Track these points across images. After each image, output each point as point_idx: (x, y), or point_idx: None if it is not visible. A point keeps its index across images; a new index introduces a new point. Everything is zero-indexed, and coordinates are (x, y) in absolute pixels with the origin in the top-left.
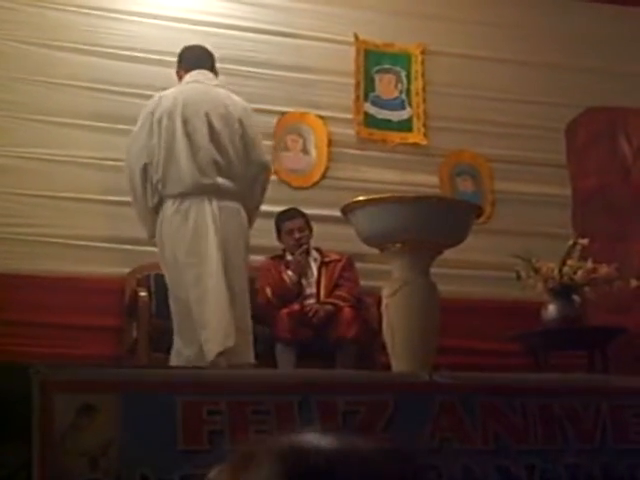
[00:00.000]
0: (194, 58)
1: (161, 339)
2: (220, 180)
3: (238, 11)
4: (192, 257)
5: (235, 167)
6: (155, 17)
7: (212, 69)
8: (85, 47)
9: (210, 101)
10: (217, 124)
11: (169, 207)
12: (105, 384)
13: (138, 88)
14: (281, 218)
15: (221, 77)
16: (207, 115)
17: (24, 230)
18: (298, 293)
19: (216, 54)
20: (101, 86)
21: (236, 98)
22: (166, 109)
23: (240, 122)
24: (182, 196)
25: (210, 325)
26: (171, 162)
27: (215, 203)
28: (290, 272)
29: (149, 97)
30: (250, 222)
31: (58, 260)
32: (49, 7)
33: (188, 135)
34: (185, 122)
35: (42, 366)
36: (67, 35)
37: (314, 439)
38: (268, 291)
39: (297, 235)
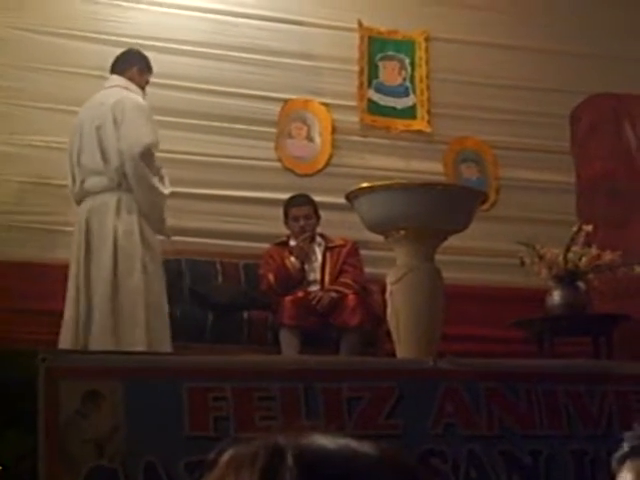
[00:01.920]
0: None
1: None
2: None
3: None
4: None
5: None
6: (161, 5)
7: (117, 70)
8: (90, 35)
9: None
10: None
11: None
12: (110, 371)
13: None
14: (289, 204)
15: (224, 65)
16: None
17: (30, 218)
18: (301, 280)
19: (220, 41)
20: (104, 74)
21: (115, 94)
22: None
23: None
24: None
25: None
26: None
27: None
28: (293, 259)
29: (155, 85)
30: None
31: (64, 248)
32: None
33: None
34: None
35: (48, 353)
36: (72, 23)
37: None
38: (271, 277)
39: (302, 222)
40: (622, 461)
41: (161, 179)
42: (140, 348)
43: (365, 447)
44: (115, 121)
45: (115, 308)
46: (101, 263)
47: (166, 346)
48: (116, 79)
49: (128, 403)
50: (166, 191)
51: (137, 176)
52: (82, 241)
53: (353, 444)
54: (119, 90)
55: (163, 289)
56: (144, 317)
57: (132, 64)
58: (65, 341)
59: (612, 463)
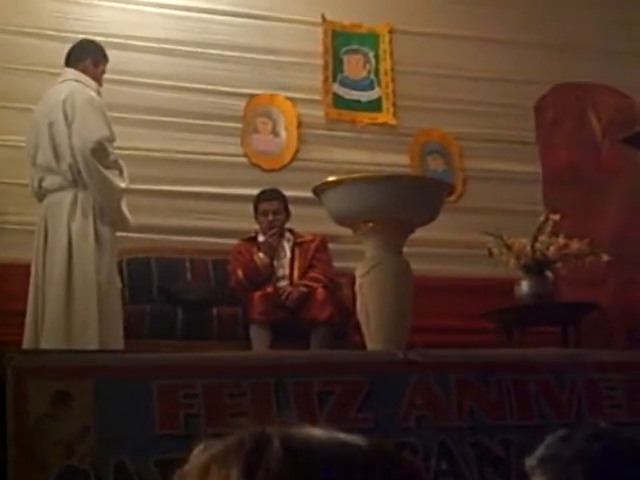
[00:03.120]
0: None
1: (137, 325)
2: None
3: None
4: None
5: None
6: (123, 2)
7: (71, 63)
8: (49, 32)
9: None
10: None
11: None
12: (79, 370)
13: (108, 74)
14: (259, 198)
15: (188, 61)
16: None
17: None
18: (270, 275)
19: (184, 37)
20: (60, 71)
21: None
22: None
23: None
24: None
25: None
26: None
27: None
28: (261, 254)
29: (118, 82)
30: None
31: (27, 248)
32: None
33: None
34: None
35: (16, 352)
36: (31, 20)
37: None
38: (239, 273)
39: (270, 217)
40: (532, 472)
41: (120, 173)
42: (92, 348)
43: (353, 437)
44: (66, 117)
45: (68, 308)
46: (55, 262)
47: (119, 346)
48: (68, 72)
49: (98, 402)
50: (123, 185)
51: (90, 171)
52: (41, 240)
53: (341, 435)
54: (70, 84)
55: (117, 290)
56: (97, 317)
57: (85, 56)
58: (27, 341)
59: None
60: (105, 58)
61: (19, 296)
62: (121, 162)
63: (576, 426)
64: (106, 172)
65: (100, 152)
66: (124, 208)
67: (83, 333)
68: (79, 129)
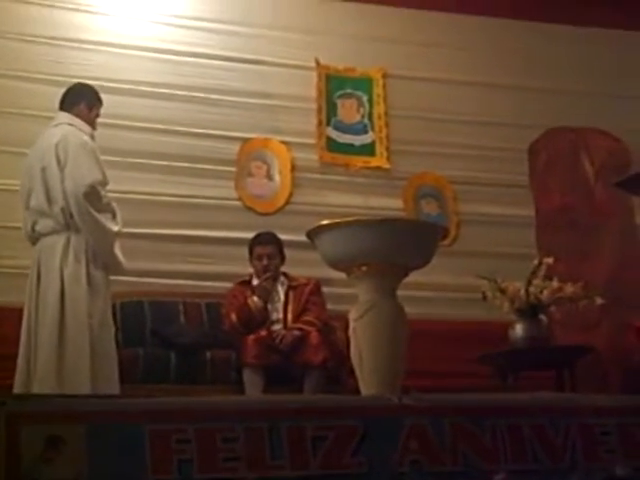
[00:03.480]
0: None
1: (130, 369)
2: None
3: (200, 38)
4: None
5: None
6: (118, 46)
7: (65, 107)
8: (48, 77)
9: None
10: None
11: None
12: (72, 415)
13: (101, 117)
14: (254, 242)
15: (183, 105)
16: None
17: None
18: (264, 319)
19: (179, 82)
20: (54, 115)
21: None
22: None
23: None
24: None
25: None
26: None
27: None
28: (255, 298)
29: (113, 126)
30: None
31: (21, 291)
32: (8, 37)
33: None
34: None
35: (8, 398)
36: (23, 64)
37: None
38: (233, 317)
39: (265, 261)
40: None
41: (113, 216)
42: (84, 393)
43: None
44: (59, 161)
45: (60, 351)
46: (47, 306)
47: (115, 391)
48: (62, 116)
49: (90, 448)
50: (116, 228)
51: (82, 215)
52: (34, 283)
53: None
54: (64, 128)
55: (111, 335)
56: (89, 361)
57: (79, 100)
58: (18, 384)
59: None
60: (99, 102)
61: (11, 340)
62: (114, 205)
63: (594, 471)
64: (99, 216)
65: (92, 196)
66: (117, 251)
67: (75, 377)
68: (72, 173)
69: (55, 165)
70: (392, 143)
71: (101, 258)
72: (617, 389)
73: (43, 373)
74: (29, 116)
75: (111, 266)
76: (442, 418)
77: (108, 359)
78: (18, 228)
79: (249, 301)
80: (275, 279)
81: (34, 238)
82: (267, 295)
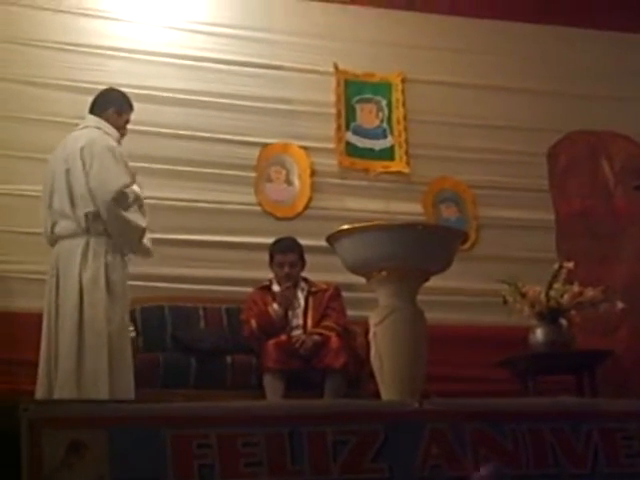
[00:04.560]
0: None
1: (150, 374)
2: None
3: (219, 44)
4: None
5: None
6: (139, 52)
7: (95, 112)
8: (68, 83)
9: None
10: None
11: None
12: (94, 420)
13: None
14: (275, 249)
15: (202, 111)
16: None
17: (5, 267)
18: (284, 326)
19: (198, 87)
20: (72, 121)
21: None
22: None
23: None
24: None
25: None
26: None
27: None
28: (276, 305)
29: (133, 132)
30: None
31: (39, 297)
32: (32, 44)
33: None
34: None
35: (31, 404)
36: (50, 72)
37: None
38: (253, 323)
39: (287, 270)
40: None
41: (140, 207)
42: (102, 399)
43: None
44: (84, 165)
45: (79, 360)
46: (67, 312)
47: (130, 397)
48: (89, 119)
49: (112, 453)
50: (144, 223)
51: (112, 218)
52: (53, 286)
53: None
54: (90, 131)
55: (128, 340)
56: (107, 370)
57: (109, 105)
58: (40, 392)
59: None
60: (130, 107)
61: (31, 346)
62: (139, 192)
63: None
64: (129, 216)
65: (121, 199)
66: (146, 241)
67: (94, 385)
68: (100, 178)
69: (80, 168)
70: (411, 148)
71: (129, 250)
72: (637, 394)
73: (63, 379)
74: (49, 122)
75: (138, 254)
76: (463, 423)
77: (125, 367)
78: (38, 234)
79: (269, 308)
80: (295, 285)
81: (53, 240)
82: (288, 303)
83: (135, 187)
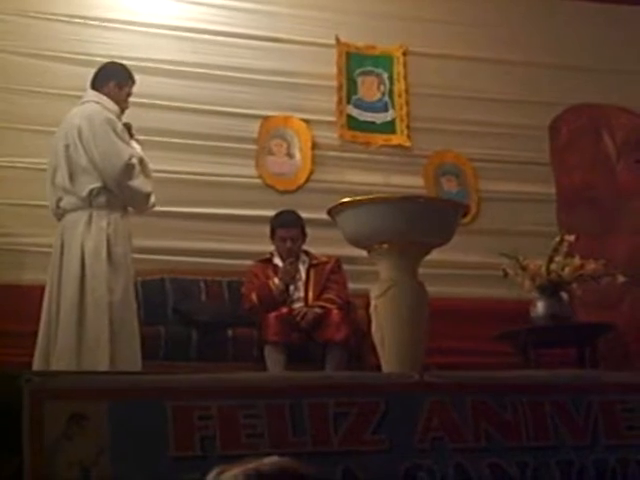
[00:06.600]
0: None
1: (152, 346)
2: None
3: (221, 17)
4: None
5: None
6: (140, 25)
7: (95, 85)
8: (70, 56)
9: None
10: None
11: None
12: (95, 392)
13: None
14: (276, 223)
15: (203, 83)
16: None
17: (5, 240)
18: (284, 300)
19: (199, 60)
20: (83, 94)
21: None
22: None
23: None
24: None
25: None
26: None
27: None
28: (277, 280)
29: (134, 104)
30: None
31: (45, 270)
32: (36, 17)
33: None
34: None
35: (33, 374)
36: (52, 44)
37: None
38: (254, 297)
39: (289, 244)
40: None
41: (144, 168)
42: (102, 369)
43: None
44: (81, 140)
45: (79, 328)
46: (69, 282)
47: (136, 368)
48: (90, 94)
49: (113, 425)
50: (150, 188)
51: (122, 190)
52: (57, 259)
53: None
54: (89, 106)
55: (133, 311)
56: (108, 338)
57: (109, 78)
58: (37, 363)
59: None
60: (131, 80)
61: (34, 318)
62: (141, 155)
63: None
64: (137, 184)
65: (129, 170)
66: (152, 199)
67: (93, 353)
68: (104, 153)
69: (78, 143)
70: (412, 121)
71: (137, 212)
72: (638, 367)
73: (62, 350)
74: (55, 95)
75: (144, 213)
76: (463, 395)
77: (130, 337)
78: (43, 206)
79: (270, 282)
80: (297, 258)
81: (59, 214)
82: (290, 279)
83: (136, 147)
